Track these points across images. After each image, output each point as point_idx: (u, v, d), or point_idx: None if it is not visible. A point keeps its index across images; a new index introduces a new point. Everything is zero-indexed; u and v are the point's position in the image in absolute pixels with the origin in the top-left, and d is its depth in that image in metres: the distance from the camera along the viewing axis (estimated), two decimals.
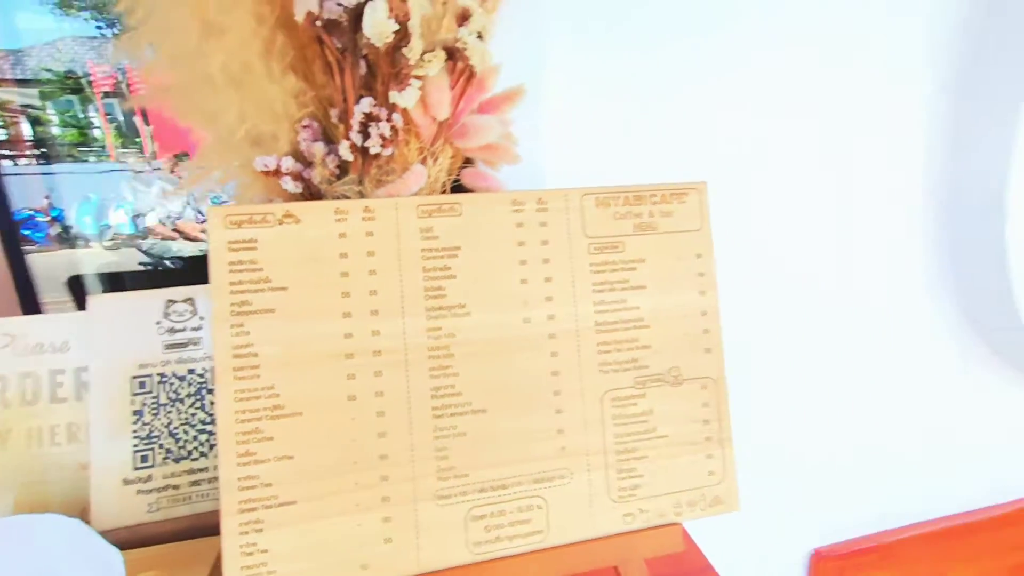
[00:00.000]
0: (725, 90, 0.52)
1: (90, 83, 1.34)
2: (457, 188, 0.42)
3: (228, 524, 0.29)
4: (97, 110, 1.39)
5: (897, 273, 0.67)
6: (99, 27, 1.25)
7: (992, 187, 0.60)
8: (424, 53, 0.30)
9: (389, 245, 0.33)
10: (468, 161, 0.42)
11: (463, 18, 0.30)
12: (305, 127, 0.35)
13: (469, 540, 0.32)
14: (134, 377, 0.38)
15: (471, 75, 0.32)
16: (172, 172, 1.12)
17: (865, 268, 0.64)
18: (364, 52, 0.32)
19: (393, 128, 0.33)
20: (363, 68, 0.33)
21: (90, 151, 1.40)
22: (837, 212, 0.61)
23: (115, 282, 0.97)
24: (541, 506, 0.33)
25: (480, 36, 0.31)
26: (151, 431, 0.37)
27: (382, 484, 0.31)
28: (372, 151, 0.32)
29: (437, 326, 0.33)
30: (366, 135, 0.33)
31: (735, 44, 0.52)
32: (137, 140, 1.43)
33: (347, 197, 0.35)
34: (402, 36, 0.29)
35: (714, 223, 0.56)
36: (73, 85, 1.32)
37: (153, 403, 0.38)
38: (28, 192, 1.05)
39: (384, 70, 0.32)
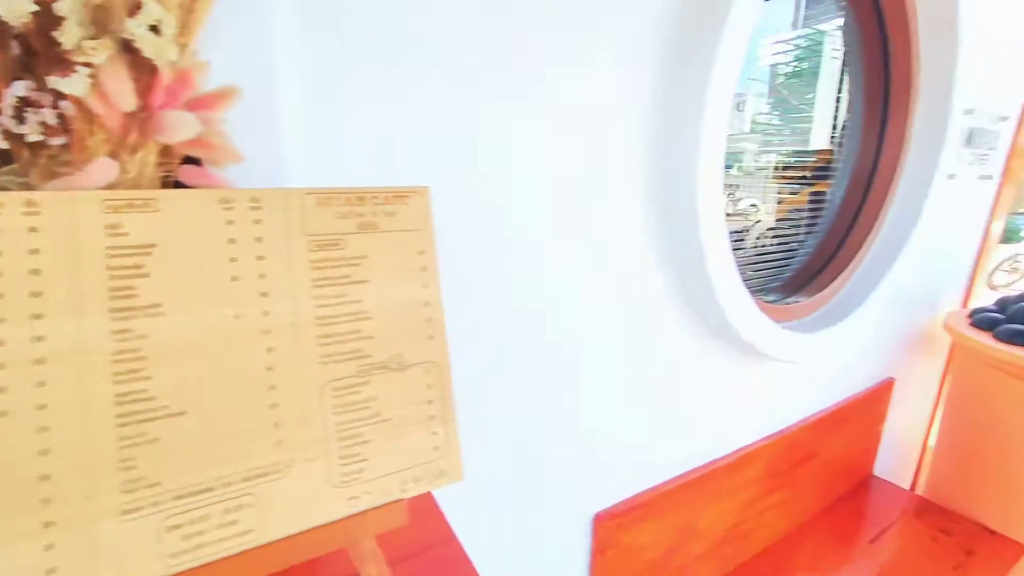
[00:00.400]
0: (461, 94, 0.59)
1: None
2: (179, 186, 0.40)
3: None
4: None
5: (633, 271, 0.82)
6: None
7: (688, 194, 0.76)
8: (87, 40, 0.29)
9: (62, 242, 0.30)
10: (192, 159, 0.41)
11: (134, 9, 0.30)
12: None
13: (163, 552, 0.30)
14: None
15: (154, 68, 0.31)
16: None
17: (603, 267, 0.77)
18: (16, 31, 0.29)
19: (61, 116, 0.30)
20: (18, 48, 0.30)
21: None
22: (575, 219, 0.72)
23: None
24: (252, 504, 0.33)
25: (156, 29, 0.30)
26: None
27: (43, 508, 0.28)
28: (30, 139, 0.29)
29: (125, 328, 0.31)
30: (23, 121, 0.29)
31: (470, 54, 0.59)
32: None
33: (7, 189, 0.31)
34: (51, 18, 0.27)
35: (459, 221, 0.62)
36: None
37: None
38: None
39: (42, 53, 0.29)
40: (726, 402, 1.07)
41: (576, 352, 0.79)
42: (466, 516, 0.73)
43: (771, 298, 1.25)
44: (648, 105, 0.74)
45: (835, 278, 1.25)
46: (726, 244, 0.83)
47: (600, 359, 0.82)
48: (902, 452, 1.88)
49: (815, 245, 1.38)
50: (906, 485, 1.98)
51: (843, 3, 1.24)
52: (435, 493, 0.61)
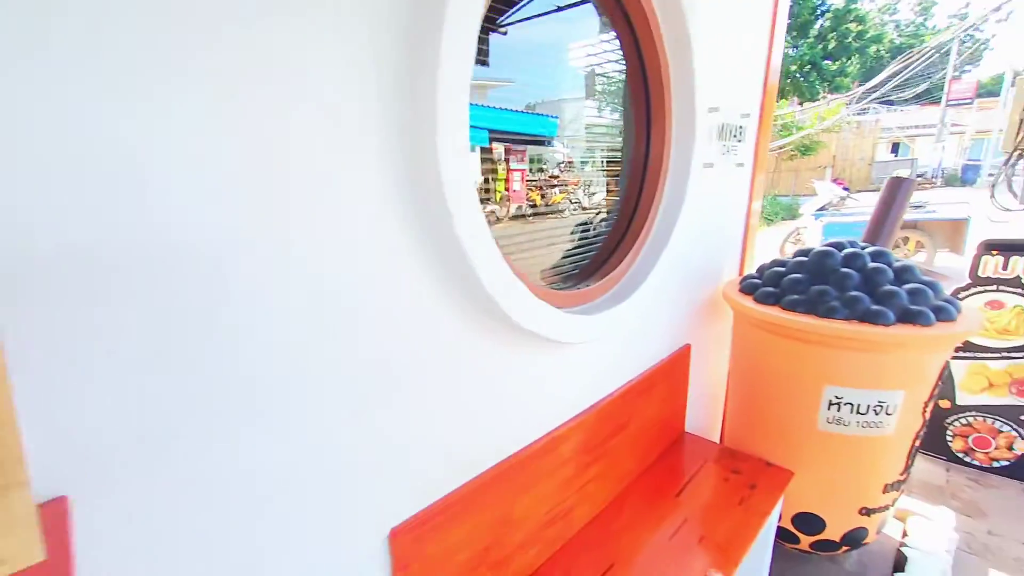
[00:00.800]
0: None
1: None
2: None
3: None
4: None
5: (398, 277, 0.79)
6: None
7: (438, 195, 0.75)
8: None
9: None
10: None
11: None
12: None
13: None
14: None
15: None
16: None
17: (367, 275, 0.73)
18: None
19: None
20: None
21: None
22: (310, 221, 0.67)
23: None
24: None
25: None
26: None
27: None
28: None
29: None
30: None
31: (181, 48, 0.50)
32: None
33: None
34: None
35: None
36: None
37: None
38: None
39: None
40: (527, 390, 1.09)
41: (349, 366, 0.73)
42: None
43: (566, 285, 1.32)
44: (383, 101, 0.71)
45: (622, 261, 1.37)
46: (487, 238, 0.84)
47: (377, 369, 0.78)
48: (708, 408, 2.15)
49: (607, 233, 1.50)
50: (715, 438, 2.28)
51: (604, 18, 1.36)
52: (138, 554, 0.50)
